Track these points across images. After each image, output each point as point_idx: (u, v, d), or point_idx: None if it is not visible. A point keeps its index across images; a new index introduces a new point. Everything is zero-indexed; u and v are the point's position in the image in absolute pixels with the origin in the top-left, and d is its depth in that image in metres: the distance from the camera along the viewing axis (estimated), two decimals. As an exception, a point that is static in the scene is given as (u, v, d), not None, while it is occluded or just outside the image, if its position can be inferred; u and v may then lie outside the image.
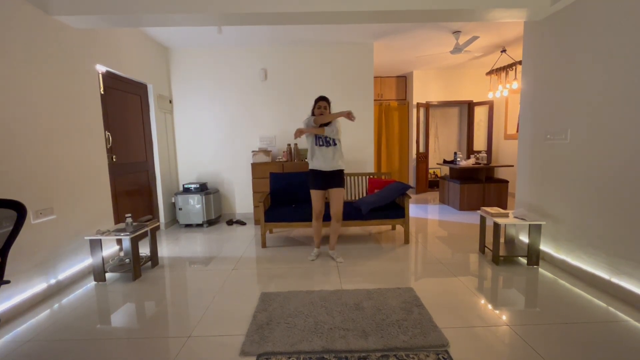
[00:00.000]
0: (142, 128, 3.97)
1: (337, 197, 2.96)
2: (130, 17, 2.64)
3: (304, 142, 4.62)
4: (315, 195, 2.98)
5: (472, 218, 4.55)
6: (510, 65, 5.21)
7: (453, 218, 4.63)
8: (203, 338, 1.87)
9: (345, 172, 4.18)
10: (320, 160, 2.91)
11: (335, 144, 2.90)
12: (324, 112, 2.87)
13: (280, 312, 2.09)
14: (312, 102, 2.98)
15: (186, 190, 4.37)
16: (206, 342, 1.84)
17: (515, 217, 2.89)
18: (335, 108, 4.61)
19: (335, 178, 2.94)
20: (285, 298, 2.28)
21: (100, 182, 3.12)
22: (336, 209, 2.99)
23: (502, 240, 3.03)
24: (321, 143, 2.90)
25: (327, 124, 2.87)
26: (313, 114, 2.92)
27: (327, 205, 3.08)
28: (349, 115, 2.71)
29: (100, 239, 2.64)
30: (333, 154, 2.90)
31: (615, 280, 2.25)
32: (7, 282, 1.56)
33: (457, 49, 4.47)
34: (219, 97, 4.65)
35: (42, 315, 2.18)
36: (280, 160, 4.46)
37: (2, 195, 2.06)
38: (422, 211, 5.12)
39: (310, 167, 2.98)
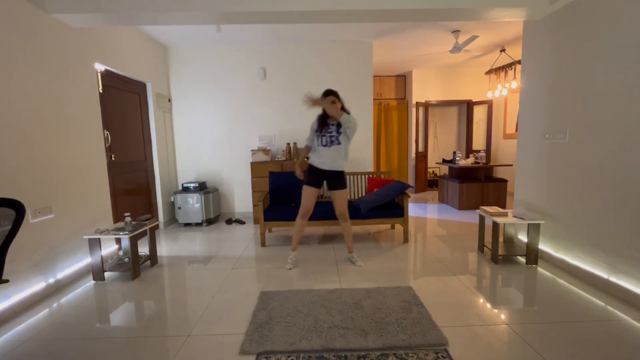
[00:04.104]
0: (140, 127, 3.96)
1: (341, 197, 2.88)
2: (128, 15, 2.63)
3: (303, 142, 4.62)
4: (307, 192, 2.86)
5: (471, 217, 4.56)
6: (510, 65, 5.21)
7: (452, 217, 4.64)
8: (202, 337, 1.87)
9: (346, 172, 4.20)
10: (318, 158, 2.81)
11: (339, 143, 2.75)
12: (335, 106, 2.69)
13: (280, 311, 2.09)
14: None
15: (185, 189, 4.37)
16: (205, 341, 1.84)
17: (514, 216, 2.89)
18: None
19: (335, 179, 2.85)
20: (285, 297, 2.29)
21: (99, 181, 3.11)
22: (341, 208, 2.90)
23: (501, 239, 3.03)
24: (324, 143, 2.77)
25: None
26: (323, 113, 2.79)
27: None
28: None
29: (99, 238, 2.64)
30: (333, 155, 2.76)
31: (613, 279, 2.26)
32: (6, 281, 1.55)
33: (457, 48, 4.47)
34: (218, 95, 4.64)
35: (40, 314, 2.17)
36: (280, 159, 4.46)
37: (1, 194, 2.05)
38: (421, 210, 5.13)
39: (309, 161, 2.89)
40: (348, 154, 2.88)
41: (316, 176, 2.85)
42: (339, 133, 2.76)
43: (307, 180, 2.89)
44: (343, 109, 2.77)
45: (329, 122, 2.79)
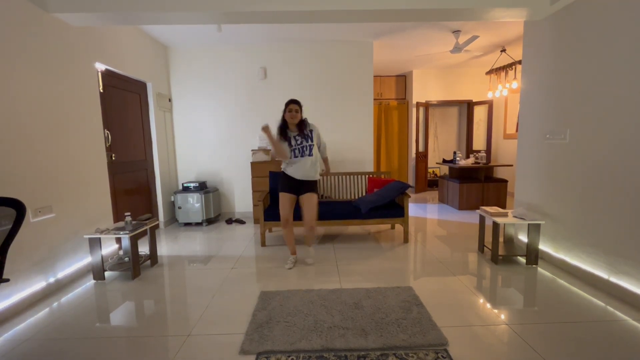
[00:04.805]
0: (141, 126, 3.96)
1: (310, 202, 2.79)
2: (129, 14, 2.63)
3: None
4: (283, 199, 2.81)
5: (471, 217, 4.56)
6: (510, 65, 5.21)
7: (452, 217, 4.64)
8: (202, 337, 1.87)
9: (339, 172, 4.20)
10: (293, 169, 2.77)
11: (311, 155, 2.75)
12: (295, 115, 2.70)
13: (280, 311, 2.09)
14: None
15: (185, 189, 4.37)
16: (206, 340, 1.84)
17: (514, 216, 2.89)
18: (333, 107, 4.65)
19: (307, 185, 2.81)
20: (285, 297, 2.29)
21: (100, 181, 3.11)
22: (310, 215, 2.80)
23: (501, 239, 3.03)
24: (296, 155, 2.74)
25: (303, 130, 2.75)
26: (284, 117, 2.76)
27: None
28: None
29: (100, 238, 2.64)
30: (307, 165, 2.75)
31: (613, 279, 2.26)
32: (7, 280, 1.55)
33: (457, 49, 4.47)
34: (219, 95, 4.64)
35: (41, 313, 2.18)
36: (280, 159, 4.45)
37: (1, 193, 2.05)
38: (422, 210, 5.13)
39: (283, 169, 2.86)
40: (320, 162, 2.90)
41: (290, 183, 2.82)
42: (309, 144, 2.75)
43: (281, 186, 2.85)
44: (302, 120, 2.77)
45: (290, 133, 2.77)
